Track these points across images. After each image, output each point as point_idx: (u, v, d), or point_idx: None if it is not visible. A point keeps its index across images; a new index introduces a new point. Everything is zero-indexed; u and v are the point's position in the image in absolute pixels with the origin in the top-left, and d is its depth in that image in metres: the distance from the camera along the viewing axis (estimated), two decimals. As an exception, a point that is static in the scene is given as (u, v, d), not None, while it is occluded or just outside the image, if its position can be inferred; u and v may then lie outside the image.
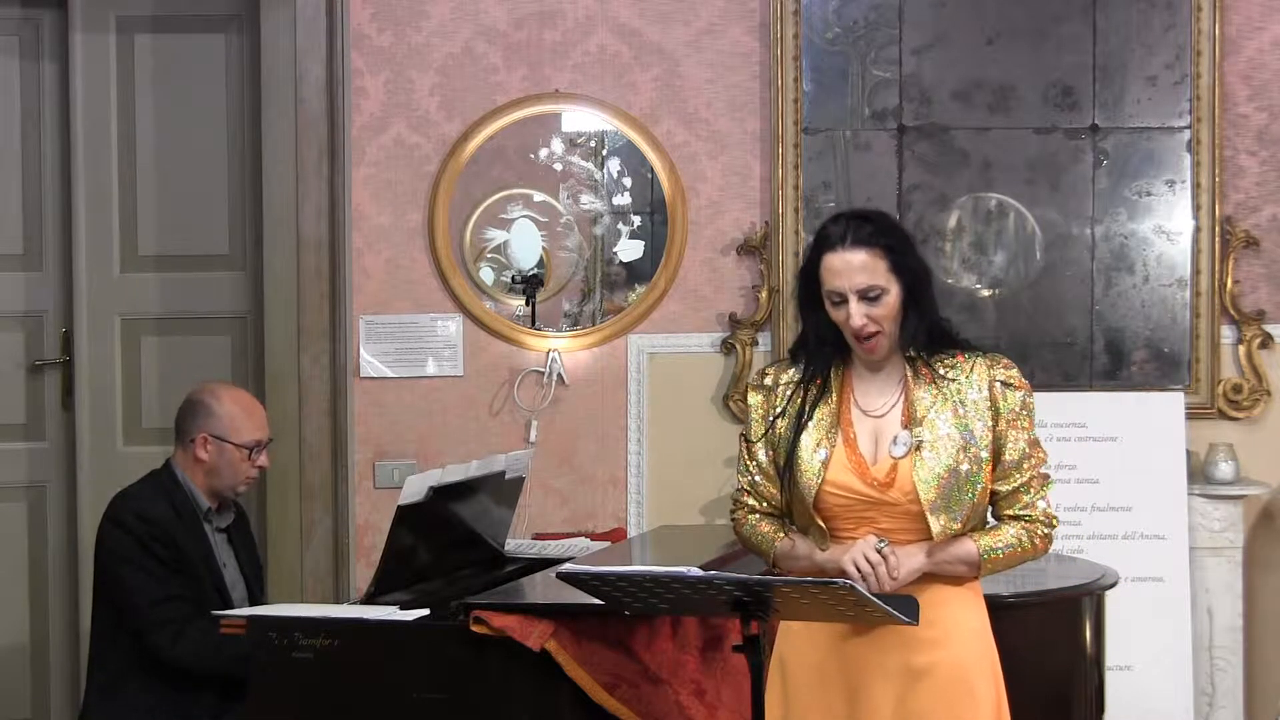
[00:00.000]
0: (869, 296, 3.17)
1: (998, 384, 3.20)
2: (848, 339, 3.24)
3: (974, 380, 3.20)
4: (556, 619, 3.43)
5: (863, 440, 3.22)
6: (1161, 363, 5.43)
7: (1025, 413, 3.21)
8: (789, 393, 3.28)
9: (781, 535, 3.30)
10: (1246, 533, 5.34)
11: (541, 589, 3.83)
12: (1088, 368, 5.38)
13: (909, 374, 3.22)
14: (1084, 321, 5.43)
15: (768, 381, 3.32)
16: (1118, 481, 5.24)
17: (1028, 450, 3.20)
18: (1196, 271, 5.38)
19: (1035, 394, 3.28)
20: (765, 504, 3.32)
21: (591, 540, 4.61)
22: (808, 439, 3.22)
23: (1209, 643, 5.27)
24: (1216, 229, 5.36)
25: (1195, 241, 5.38)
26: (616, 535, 4.99)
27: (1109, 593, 4.58)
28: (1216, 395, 5.38)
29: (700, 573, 3.05)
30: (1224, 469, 5.27)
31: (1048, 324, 5.39)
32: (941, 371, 3.21)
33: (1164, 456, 5.25)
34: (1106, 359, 5.44)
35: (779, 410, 3.28)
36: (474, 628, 3.42)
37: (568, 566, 3.33)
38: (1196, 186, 5.36)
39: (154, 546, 4.15)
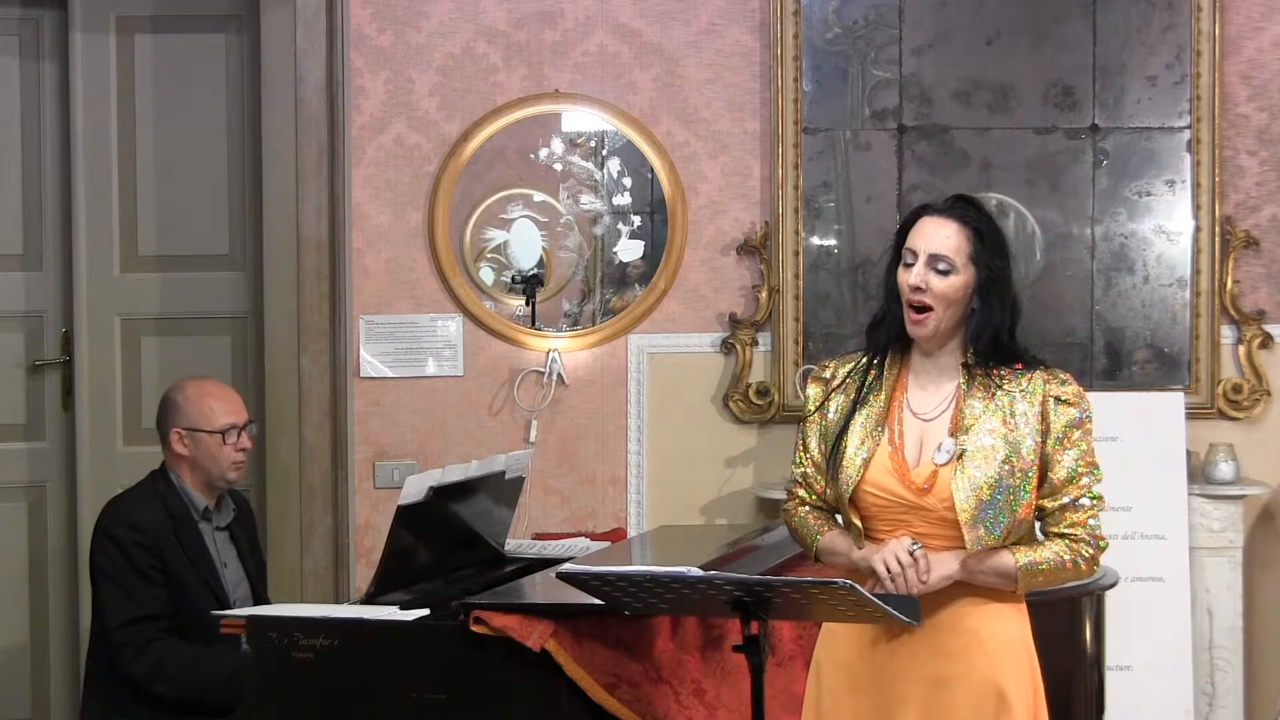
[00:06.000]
0: (938, 268, 3.14)
1: (1051, 399, 3.14)
2: (905, 316, 3.19)
3: (1028, 394, 3.14)
4: (556, 619, 3.43)
5: (908, 443, 3.18)
6: (1162, 363, 5.43)
7: (1079, 431, 3.14)
8: (844, 385, 3.26)
9: (826, 529, 3.28)
10: (1246, 533, 5.34)
11: (541, 589, 3.83)
12: (1088, 368, 5.38)
13: (963, 381, 3.18)
14: (1084, 321, 5.43)
15: (826, 374, 3.30)
16: (1118, 481, 5.14)
17: (1079, 469, 3.14)
18: (1196, 271, 5.38)
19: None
20: (815, 496, 3.29)
21: (591, 540, 4.61)
22: (853, 435, 3.20)
23: (1209, 643, 5.27)
24: (1216, 229, 5.36)
25: (1195, 241, 5.38)
26: (616, 535, 4.98)
27: (1109, 593, 4.59)
28: (1216, 395, 5.38)
29: (700, 573, 3.04)
30: (1224, 469, 5.27)
31: (1048, 324, 5.39)
32: (997, 382, 3.16)
33: (1164, 456, 5.25)
34: (1106, 359, 5.44)
35: (833, 402, 3.25)
36: (474, 628, 3.42)
37: (568, 566, 3.33)
38: (1196, 186, 5.36)
39: (139, 557, 4.15)
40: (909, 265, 3.18)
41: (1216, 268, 5.37)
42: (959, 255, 3.16)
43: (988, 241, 3.18)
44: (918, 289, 3.16)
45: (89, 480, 5.37)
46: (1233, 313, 5.37)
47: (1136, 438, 5.21)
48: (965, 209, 3.21)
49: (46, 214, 5.48)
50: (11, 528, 5.49)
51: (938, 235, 3.17)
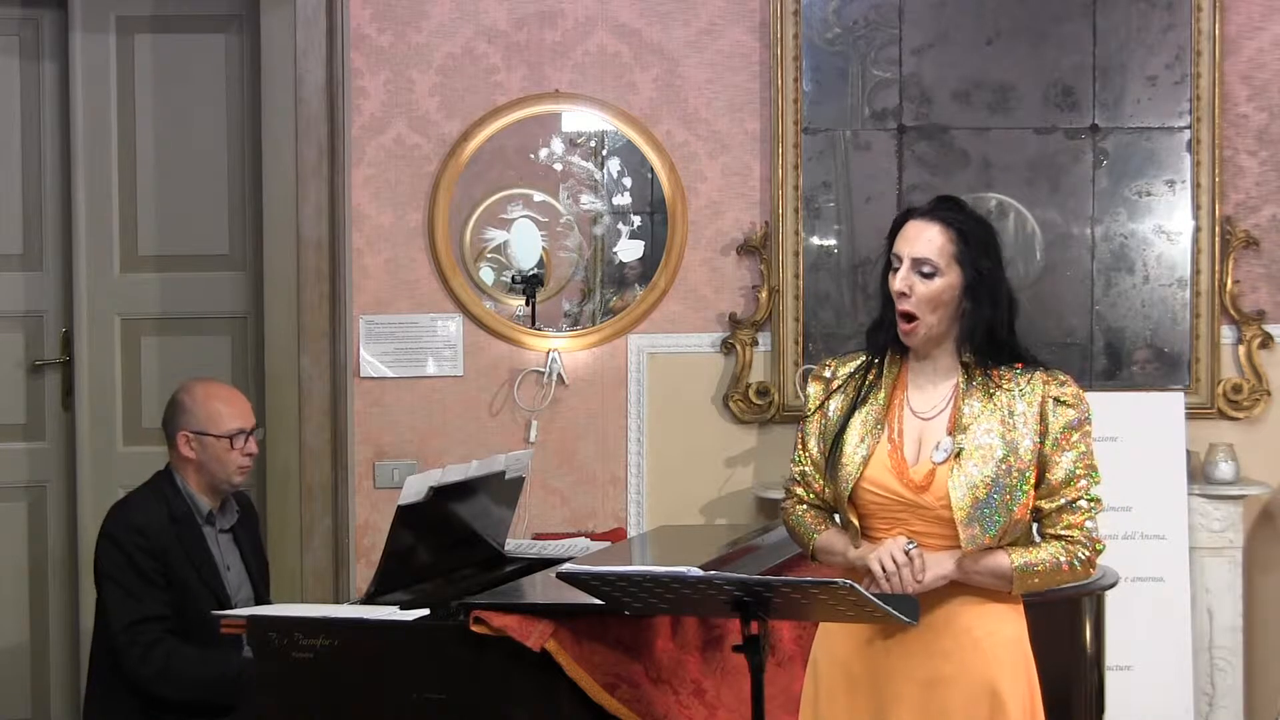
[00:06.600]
0: (922, 271, 3.14)
1: (1050, 400, 3.14)
2: (897, 322, 3.19)
3: (1027, 394, 3.14)
4: (556, 619, 3.43)
5: (908, 441, 3.18)
6: (1162, 363, 5.43)
7: (1078, 433, 3.13)
8: (845, 385, 3.26)
9: (823, 528, 3.28)
10: (1246, 533, 5.34)
11: (541, 589, 3.83)
12: (1088, 368, 5.38)
13: (962, 380, 3.18)
14: (1084, 321, 5.43)
15: (827, 373, 3.30)
16: (1118, 481, 5.16)
17: (1077, 471, 3.13)
18: (1196, 271, 5.38)
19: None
20: (813, 495, 3.29)
21: (591, 540, 4.61)
22: (852, 433, 3.20)
23: (1209, 643, 5.27)
24: (1216, 229, 5.36)
25: (1195, 241, 5.38)
26: (616, 535, 4.98)
27: (1109, 593, 4.58)
28: (1216, 395, 5.38)
29: (700, 573, 3.04)
30: (1224, 469, 5.27)
31: (1048, 324, 5.39)
32: (997, 382, 3.15)
33: (1164, 456, 5.25)
34: (1106, 359, 5.44)
35: (833, 402, 3.26)
36: (474, 628, 3.42)
37: (568, 566, 3.33)
38: (1196, 186, 5.36)
39: (141, 559, 4.15)
40: (896, 270, 3.18)
41: (1216, 268, 5.37)
42: (942, 257, 3.15)
43: (972, 241, 3.16)
44: (902, 294, 3.16)
45: (89, 480, 5.37)
46: (1233, 313, 5.38)
47: (1136, 438, 5.21)
48: (949, 210, 3.19)
49: (46, 214, 5.48)
50: (11, 528, 5.49)
51: (921, 238, 3.16)
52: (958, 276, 3.15)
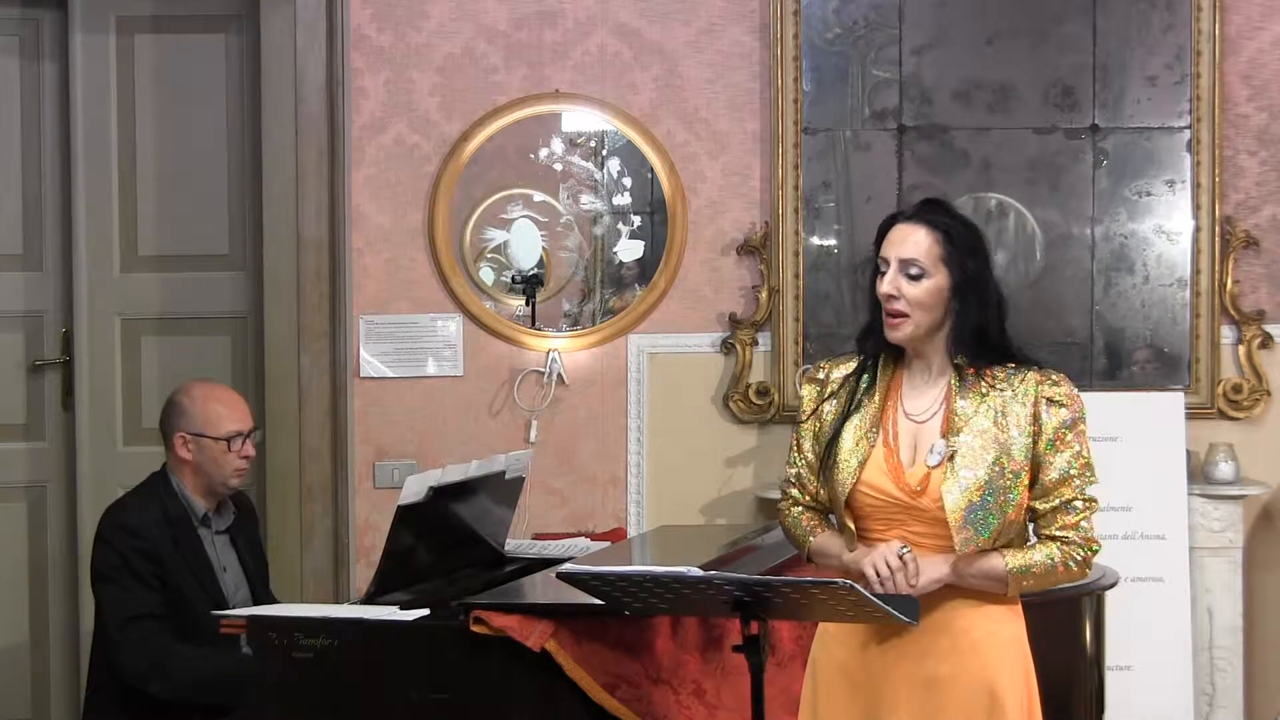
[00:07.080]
0: (909, 273, 3.15)
1: (1044, 400, 3.13)
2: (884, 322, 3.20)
3: (1020, 394, 3.14)
4: (556, 619, 3.43)
5: (903, 444, 3.18)
6: (1162, 363, 5.43)
7: (1072, 432, 3.13)
8: (839, 387, 3.27)
9: (819, 530, 3.28)
10: (1246, 533, 5.34)
11: (541, 589, 3.83)
12: (1088, 368, 5.38)
13: (953, 382, 3.18)
14: (1084, 321, 5.43)
15: (821, 375, 3.31)
16: (1118, 481, 5.19)
17: (1072, 471, 3.13)
18: (1196, 271, 5.38)
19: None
20: (809, 497, 3.30)
21: (591, 540, 4.61)
22: (848, 436, 3.20)
23: (1209, 643, 5.27)
24: (1216, 229, 5.36)
25: (1195, 241, 5.38)
26: (616, 535, 4.98)
27: (1109, 593, 4.59)
28: (1216, 395, 5.38)
29: (700, 573, 3.05)
30: (1224, 469, 5.27)
31: (1048, 324, 5.39)
32: (989, 383, 3.15)
33: (1164, 456, 5.25)
34: (1106, 359, 5.44)
35: (828, 405, 3.26)
36: (474, 628, 3.42)
37: (568, 566, 3.34)
38: (1196, 186, 5.36)
39: (136, 561, 4.14)
40: (883, 274, 3.18)
41: (1216, 268, 5.37)
42: (929, 258, 3.15)
43: (958, 243, 3.17)
44: (891, 296, 3.16)
45: (89, 480, 5.37)
46: (1233, 313, 5.37)
47: (1136, 438, 5.21)
48: (933, 212, 3.20)
49: (46, 214, 5.48)
50: (11, 528, 5.49)
51: (907, 241, 3.17)
52: (945, 278, 3.16)
